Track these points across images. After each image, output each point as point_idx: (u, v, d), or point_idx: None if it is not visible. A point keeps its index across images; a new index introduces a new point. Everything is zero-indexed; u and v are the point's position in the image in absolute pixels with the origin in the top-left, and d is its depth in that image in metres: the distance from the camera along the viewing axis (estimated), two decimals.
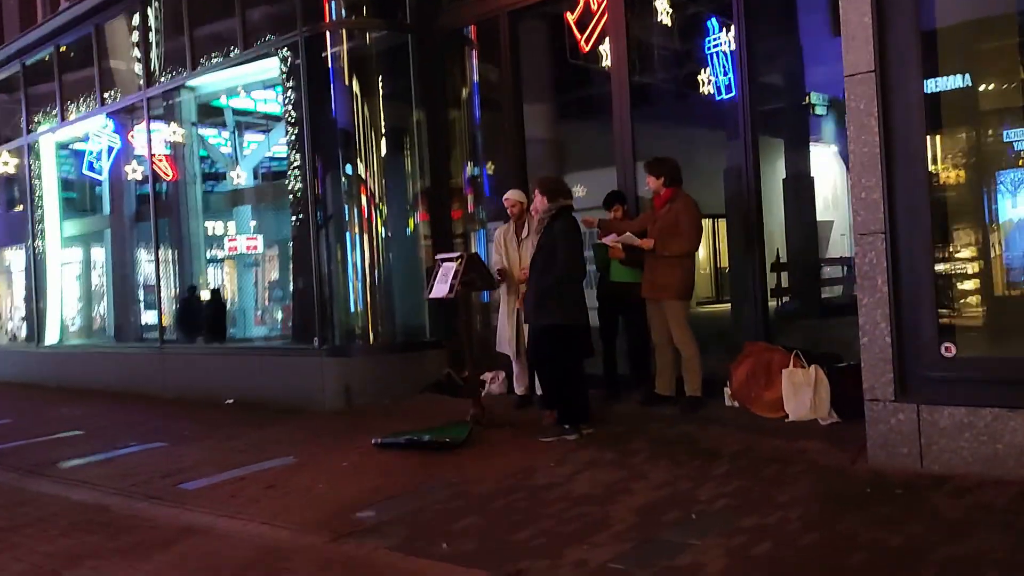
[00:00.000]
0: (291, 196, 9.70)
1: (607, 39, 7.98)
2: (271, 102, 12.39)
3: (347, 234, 8.99)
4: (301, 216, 9.35)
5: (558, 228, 6.21)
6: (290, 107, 9.33)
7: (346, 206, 9.01)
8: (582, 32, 8.32)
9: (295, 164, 9.83)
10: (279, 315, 12.15)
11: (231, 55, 10.16)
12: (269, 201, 12.51)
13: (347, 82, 8.98)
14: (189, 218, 11.89)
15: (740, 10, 7.00)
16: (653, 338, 6.90)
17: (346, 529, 4.64)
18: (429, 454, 6.25)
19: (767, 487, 4.76)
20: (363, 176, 8.94)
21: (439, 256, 7.05)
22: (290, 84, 9.38)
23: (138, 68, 11.97)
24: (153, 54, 11.60)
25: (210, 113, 12.85)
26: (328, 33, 8.93)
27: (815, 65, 15.31)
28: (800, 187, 15.64)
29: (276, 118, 10.99)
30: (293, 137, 9.32)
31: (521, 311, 7.19)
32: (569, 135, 11.63)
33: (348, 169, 9.02)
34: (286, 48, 9.41)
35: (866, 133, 4.86)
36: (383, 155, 9.10)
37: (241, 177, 13.21)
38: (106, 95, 12.51)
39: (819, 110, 15.19)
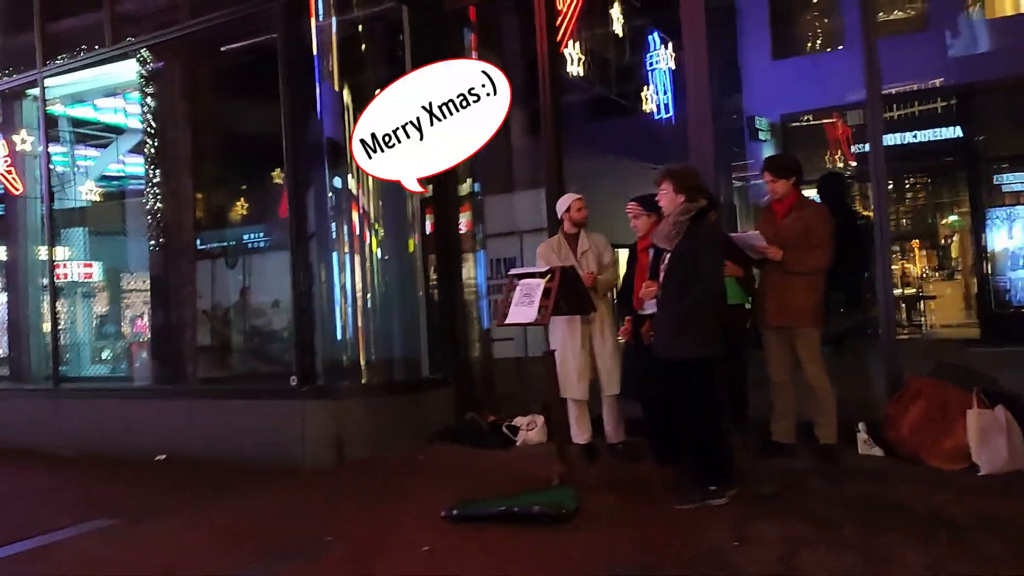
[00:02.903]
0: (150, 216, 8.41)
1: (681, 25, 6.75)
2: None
3: (334, 254, 7.27)
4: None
5: (701, 235, 4.86)
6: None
7: (333, 223, 7.30)
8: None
9: (154, 180, 8.42)
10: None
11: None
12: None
13: (333, 66, 7.30)
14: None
15: None
16: (773, 375, 5.65)
17: None
18: (529, 529, 4.71)
19: None
20: (352, 187, 7.28)
21: (514, 271, 5.53)
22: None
23: None
24: None
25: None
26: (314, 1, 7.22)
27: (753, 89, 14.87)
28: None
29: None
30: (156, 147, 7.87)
31: (597, 340, 5.82)
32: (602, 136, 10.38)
33: (336, 181, 7.32)
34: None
35: None
36: None
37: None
38: None
39: (762, 135, 14.66)
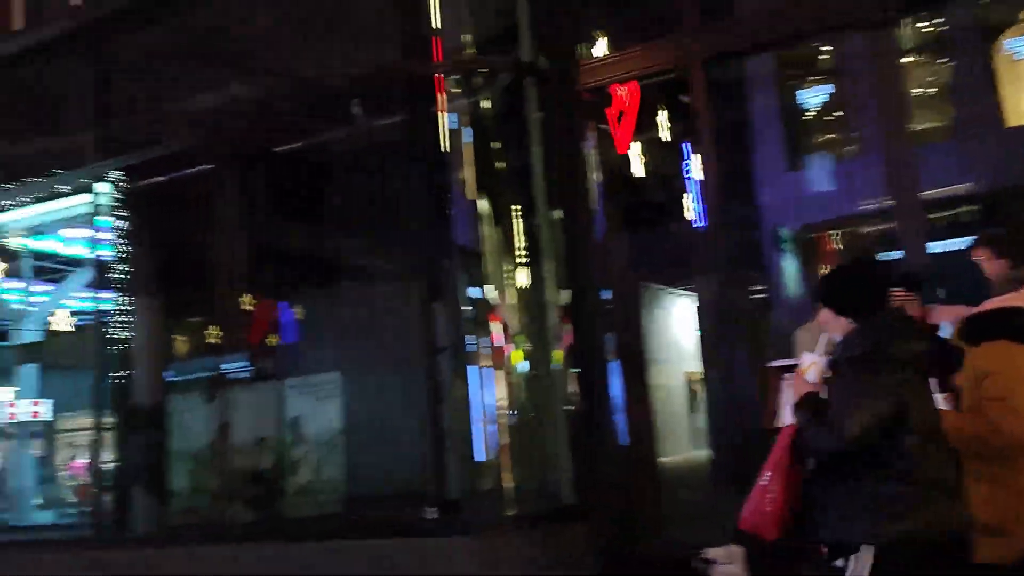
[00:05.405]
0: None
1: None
2: None
3: (471, 368, 6.32)
4: None
5: None
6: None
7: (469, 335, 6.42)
8: None
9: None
10: None
11: None
12: None
13: (463, 159, 6.51)
14: None
15: None
16: None
17: None
18: None
19: None
20: (491, 296, 6.45)
21: (775, 363, 4.63)
22: None
23: None
24: None
25: None
26: (445, 77, 6.42)
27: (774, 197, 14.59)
28: None
29: None
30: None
31: None
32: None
33: (472, 289, 6.51)
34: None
35: None
36: (510, 262, 6.61)
37: None
38: None
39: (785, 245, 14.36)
